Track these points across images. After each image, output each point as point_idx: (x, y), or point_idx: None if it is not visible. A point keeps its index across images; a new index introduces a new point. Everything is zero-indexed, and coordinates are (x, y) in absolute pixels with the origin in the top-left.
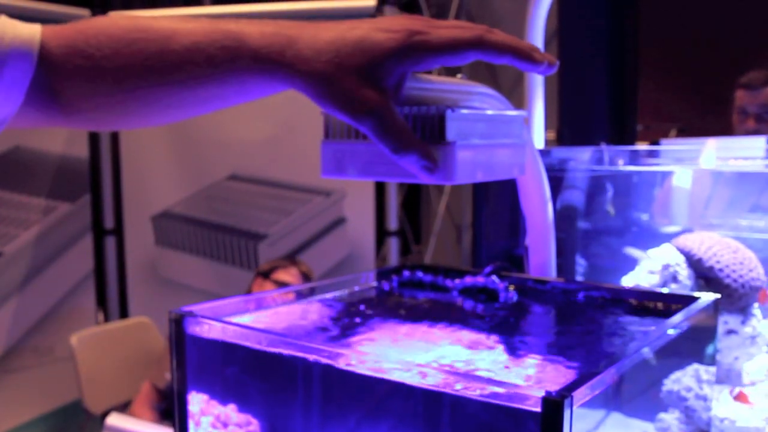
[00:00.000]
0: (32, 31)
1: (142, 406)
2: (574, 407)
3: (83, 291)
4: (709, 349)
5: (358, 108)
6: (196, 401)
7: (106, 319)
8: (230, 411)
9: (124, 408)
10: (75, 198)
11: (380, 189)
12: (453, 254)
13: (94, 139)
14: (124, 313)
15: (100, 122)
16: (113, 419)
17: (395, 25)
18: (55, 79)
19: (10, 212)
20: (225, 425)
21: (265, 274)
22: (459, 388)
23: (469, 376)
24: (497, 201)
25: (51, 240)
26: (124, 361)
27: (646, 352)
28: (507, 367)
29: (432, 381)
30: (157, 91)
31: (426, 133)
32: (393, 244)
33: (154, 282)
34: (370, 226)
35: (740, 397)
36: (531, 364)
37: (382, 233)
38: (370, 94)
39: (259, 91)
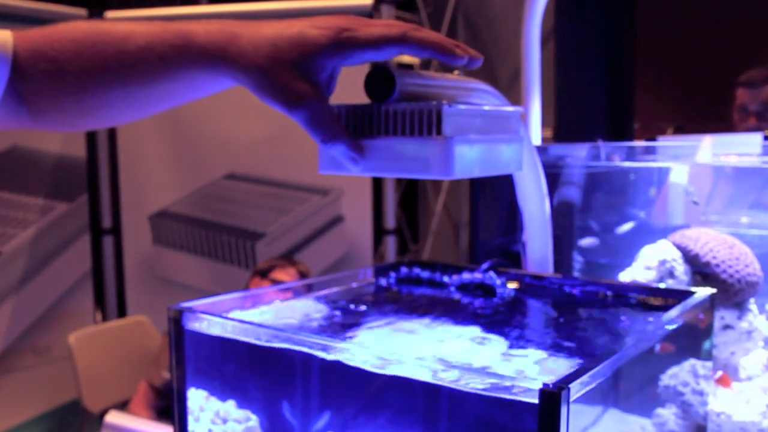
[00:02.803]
0: (4, 36)
1: (139, 405)
2: (571, 399)
3: (81, 290)
4: (706, 345)
5: (292, 99)
6: (195, 397)
7: (104, 318)
8: (229, 407)
9: (122, 407)
10: (73, 197)
11: (378, 187)
12: (451, 253)
13: (91, 138)
14: (122, 313)
15: (64, 123)
16: (112, 417)
17: (327, 22)
18: (22, 81)
19: (8, 212)
20: (224, 421)
21: (263, 273)
22: (457, 380)
23: (466, 369)
24: (494, 199)
25: (49, 240)
26: (122, 360)
27: (643, 346)
28: (504, 361)
29: (430, 374)
30: (116, 89)
31: (423, 127)
32: (390, 243)
33: (151, 281)
34: (367, 224)
35: (722, 381)
36: (528, 357)
37: (379, 232)
38: (304, 87)
39: (207, 86)
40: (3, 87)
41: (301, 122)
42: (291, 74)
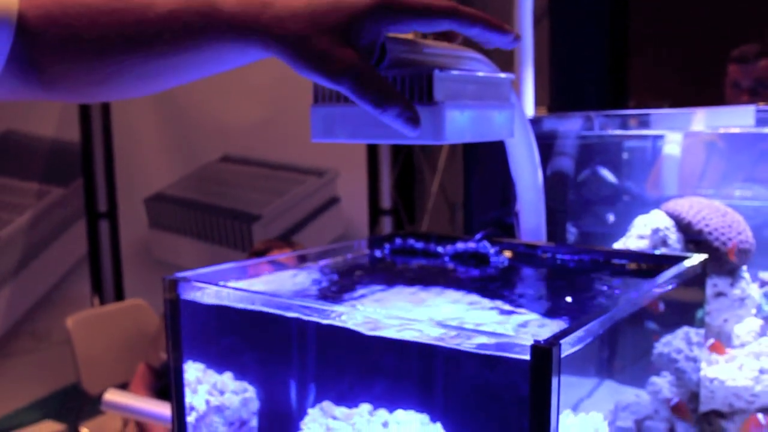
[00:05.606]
0: (9, 0)
1: (139, 386)
2: (563, 355)
3: (78, 275)
4: (699, 312)
5: (333, 68)
6: (192, 370)
7: (102, 302)
8: (226, 379)
9: (121, 389)
10: (68, 182)
11: (373, 168)
12: (446, 232)
13: (85, 122)
14: (119, 296)
15: (79, 94)
16: (110, 395)
17: None
18: (34, 49)
19: (4, 197)
20: (221, 393)
21: (259, 255)
22: (449, 339)
23: (458, 328)
24: (489, 178)
25: (45, 224)
26: (120, 343)
27: (634, 306)
28: (498, 324)
29: (422, 334)
30: (135, 60)
31: (414, 93)
32: (387, 223)
33: (148, 264)
34: (363, 205)
35: (715, 348)
36: (521, 320)
37: (375, 212)
38: (346, 52)
39: (234, 58)
40: (7, 52)
41: (347, 91)
42: (330, 40)
